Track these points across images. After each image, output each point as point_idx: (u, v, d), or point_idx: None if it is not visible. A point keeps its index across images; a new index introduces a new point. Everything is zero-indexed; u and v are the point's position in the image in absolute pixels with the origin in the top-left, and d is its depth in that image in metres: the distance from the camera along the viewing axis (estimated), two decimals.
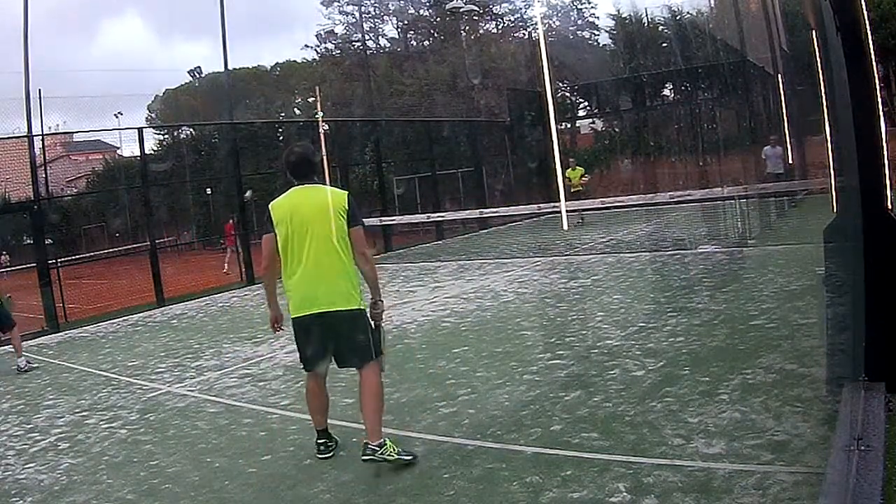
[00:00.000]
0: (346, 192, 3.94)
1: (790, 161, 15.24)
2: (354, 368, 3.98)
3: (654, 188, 19.65)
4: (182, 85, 34.21)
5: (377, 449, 3.75)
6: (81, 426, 5.37)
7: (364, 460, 3.79)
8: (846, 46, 3.65)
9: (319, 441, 4.16)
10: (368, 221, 16.49)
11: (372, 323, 3.93)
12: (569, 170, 17.15)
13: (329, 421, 4.75)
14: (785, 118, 14.52)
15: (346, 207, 3.82)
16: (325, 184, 4.11)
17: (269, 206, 3.93)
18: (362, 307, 3.87)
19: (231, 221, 17.58)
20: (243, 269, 13.87)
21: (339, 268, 3.80)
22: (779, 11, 14.29)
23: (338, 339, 3.90)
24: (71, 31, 45.31)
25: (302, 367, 4.13)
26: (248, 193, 14.35)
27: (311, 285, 3.81)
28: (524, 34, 29.06)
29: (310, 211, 3.82)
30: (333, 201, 3.84)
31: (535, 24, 28.00)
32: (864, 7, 3.65)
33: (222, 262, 16.68)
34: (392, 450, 3.77)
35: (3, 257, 18.62)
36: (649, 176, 21.70)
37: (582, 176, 17.24)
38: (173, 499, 3.83)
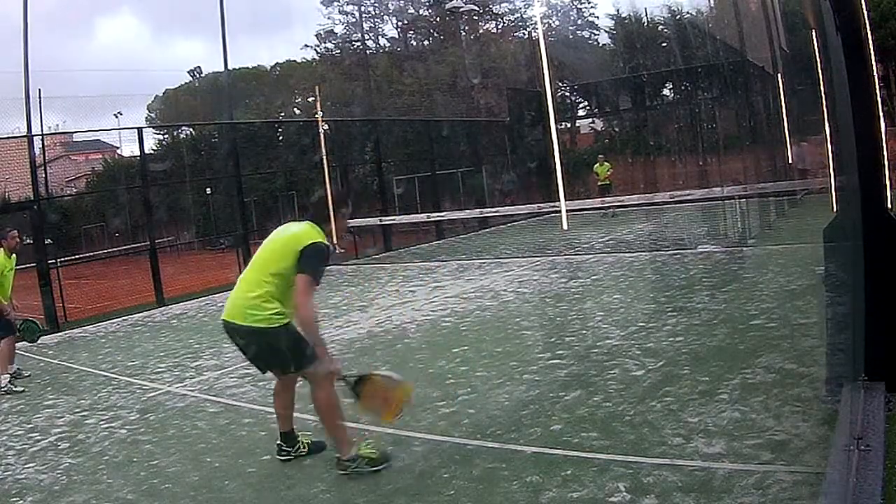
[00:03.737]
0: (315, 240, 3.77)
1: (790, 160, 15.25)
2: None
3: (654, 188, 19.67)
4: (182, 85, 34.15)
5: (349, 463, 3.73)
6: (81, 426, 5.37)
7: (340, 474, 3.76)
8: (846, 46, 3.65)
9: (278, 442, 4.15)
10: (368, 221, 16.68)
11: (284, 341, 3.78)
12: (597, 164, 18.86)
13: None
14: (784, 118, 14.51)
15: (299, 251, 3.71)
16: (320, 222, 3.93)
17: None
18: (275, 325, 3.74)
19: None
20: (244, 269, 13.82)
21: (258, 292, 3.76)
22: (779, 11, 14.29)
23: (245, 349, 3.96)
24: (71, 31, 45.29)
25: None
26: None
27: (232, 296, 3.92)
28: (524, 34, 29.04)
29: (271, 241, 3.95)
30: (293, 240, 3.80)
31: (535, 23, 27.97)
32: (864, 7, 3.65)
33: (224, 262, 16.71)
34: (365, 462, 3.74)
35: None
36: (649, 176, 21.70)
37: (609, 170, 18.68)
38: (173, 499, 3.83)
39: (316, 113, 15.42)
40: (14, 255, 7.31)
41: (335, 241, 4.04)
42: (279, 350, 3.80)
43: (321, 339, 3.73)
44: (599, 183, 18.52)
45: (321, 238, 3.81)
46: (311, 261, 3.71)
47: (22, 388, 6.84)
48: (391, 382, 3.86)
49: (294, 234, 3.83)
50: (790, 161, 15.22)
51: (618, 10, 27.07)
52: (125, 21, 49.19)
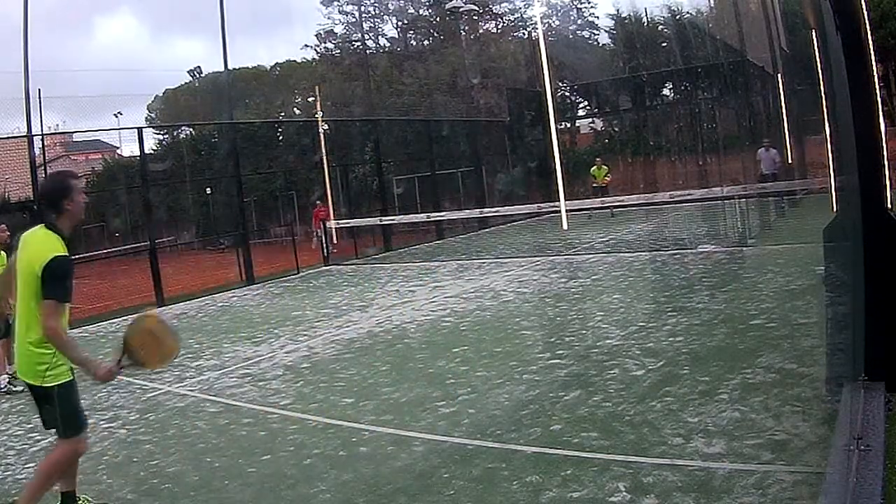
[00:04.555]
0: (55, 253, 3.22)
1: (790, 160, 15.25)
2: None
3: (653, 188, 19.66)
4: (182, 85, 34.10)
5: None
6: None
7: None
8: (846, 46, 3.65)
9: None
10: (368, 221, 16.69)
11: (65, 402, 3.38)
12: (594, 167, 18.73)
13: (328, 421, 4.77)
14: (784, 118, 14.52)
15: (40, 275, 3.18)
16: (52, 223, 3.32)
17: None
18: (50, 385, 3.33)
19: (318, 205, 17.14)
20: (243, 269, 13.87)
21: (31, 337, 3.30)
22: (779, 11, 14.30)
23: (41, 410, 3.49)
24: (71, 31, 45.27)
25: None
26: None
27: (17, 350, 3.43)
28: (524, 34, 29.03)
29: (21, 262, 3.35)
30: (36, 256, 3.23)
31: (535, 23, 27.92)
32: (864, 7, 3.65)
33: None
34: None
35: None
36: (649, 176, 21.70)
37: (606, 174, 18.55)
38: (173, 499, 3.83)
39: (316, 113, 15.47)
40: (3, 253, 7.19)
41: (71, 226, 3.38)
42: (54, 410, 3.38)
43: (83, 355, 3.38)
44: (595, 185, 18.43)
45: (60, 248, 3.25)
46: (55, 282, 3.20)
47: (22, 388, 6.81)
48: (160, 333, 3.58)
49: (31, 253, 3.29)
50: (789, 161, 15.22)
51: (618, 10, 27.09)
52: (125, 21, 49.10)
